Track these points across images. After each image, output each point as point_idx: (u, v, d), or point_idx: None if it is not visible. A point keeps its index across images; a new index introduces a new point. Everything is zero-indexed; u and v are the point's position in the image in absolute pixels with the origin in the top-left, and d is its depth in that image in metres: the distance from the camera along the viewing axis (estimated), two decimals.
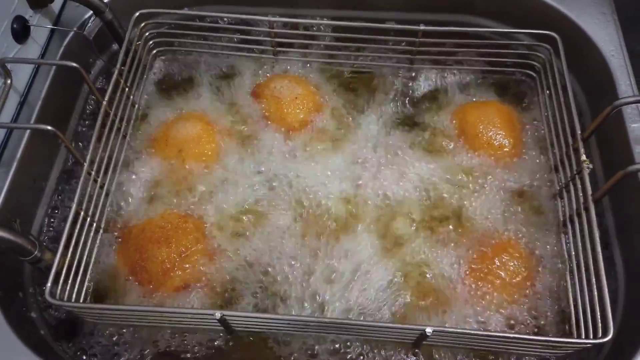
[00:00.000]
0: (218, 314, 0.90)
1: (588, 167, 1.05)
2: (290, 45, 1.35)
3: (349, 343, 1.04)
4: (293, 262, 1.10)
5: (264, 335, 1.04)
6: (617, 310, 1.04)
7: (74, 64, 1.05)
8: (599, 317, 0.91)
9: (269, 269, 1.09)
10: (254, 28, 1.34)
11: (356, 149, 1.24)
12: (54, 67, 1.18)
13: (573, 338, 0.96)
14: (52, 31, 1.22)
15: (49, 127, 0.99)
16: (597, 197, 1.03)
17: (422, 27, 1.23)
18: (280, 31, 1.30)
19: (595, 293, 0.93)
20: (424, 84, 1.35)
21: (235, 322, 0.95)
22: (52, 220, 1.16)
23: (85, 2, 1.19)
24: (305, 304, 1.05)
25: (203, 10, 1.41)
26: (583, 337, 0.93)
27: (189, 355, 1.03)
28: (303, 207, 1.16)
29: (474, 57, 1.34)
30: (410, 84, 1.35)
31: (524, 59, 1.30)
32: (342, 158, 1.23)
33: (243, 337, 1.05)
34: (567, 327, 1.02)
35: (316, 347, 1.04)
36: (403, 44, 1.29)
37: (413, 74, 1.36)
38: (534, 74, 1.30)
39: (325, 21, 1.37)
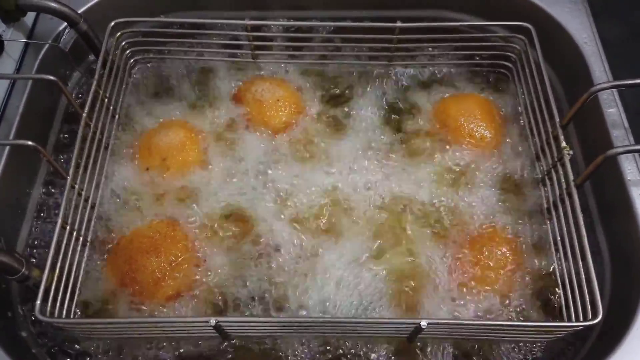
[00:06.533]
0: (213, 321, 0.89)
1: (569, 154, 1.07)
2: (269, 47, 1.35)
3: (342, 342, 1.04)
4: (282, 264, 1.10)
5: (258, 340, 1.04)
6: (605, 291, 1.06)
7: (52, 78, 1.04)
8: (587, 299, 0.93)
9: (259, 273, 1.09)
10: (232, 32, 1.33)
11: (340, 148, 1.25)
12: (30, 82, 1.17)
13: (564, 322, 0.97)
14: (27, 45, 1.21)
15: (30, 143, 0.97)
16: (578, 182, 1.05)
17: (399, 24, 1.24)
18: (258, 34, 1.30)
19: (583, 277, 0.95)
20: (403, 80, 1.36)
21: (230, 327, 0.95)
22: (37, 236, 1.14)
23: (59, 14, 1.17)
24: (298, 305, 1.05)
25: (178, 17, 1.40)
26: (574, 320, 0.95)
27: None
28: (290, 209, 1.16)
29: (451, 51, 1.36)
30: (390, 81, 1.35)
31: (500, 50, 1.32)
32: (327, 158, 1.23)
33: (238, 342, 1.04)
34: (557, 311, 1.03)
35: (310, 347, 1.04)
36: (381, 41, 1.29)
37: (392, 71, 1.37)
38: (510, 65, 1.32)
39: (302, 22, 1.37)
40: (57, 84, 1.05)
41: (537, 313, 1.05)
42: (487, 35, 1.33)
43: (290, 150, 1.24)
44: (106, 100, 1.19)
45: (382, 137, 1.27)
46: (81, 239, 1.06)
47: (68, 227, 1.01)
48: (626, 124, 1.12)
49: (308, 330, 0.98)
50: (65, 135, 1.27)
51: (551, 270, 1.07)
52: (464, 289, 1.06)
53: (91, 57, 1.34)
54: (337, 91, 1.35)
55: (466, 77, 1.37)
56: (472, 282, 1.07)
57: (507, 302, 1.06)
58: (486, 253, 1.09)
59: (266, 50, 1.34)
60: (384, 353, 1.03)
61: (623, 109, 1.14)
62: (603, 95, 1.15)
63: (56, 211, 1.12)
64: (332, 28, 1.38)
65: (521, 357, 1.03)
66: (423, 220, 1.15)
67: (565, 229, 1.04)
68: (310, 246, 1.12)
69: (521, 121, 1.27)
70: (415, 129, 1.28)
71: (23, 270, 0.96)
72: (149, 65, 1.38)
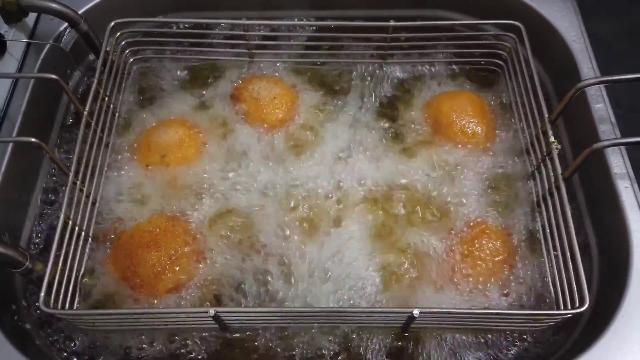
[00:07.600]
0: (212, 311, 0.92)
1: (557, 148, 1.10)
2: (266, 47, 1.37)
3: (338, 332, 1.06)
4: (280, 257, 1.12)
5: (256, 332, 1.07)
6: (593, 281, 1.09)
7: (54, 76, 1.07)
8: (575, 288, 0.96)
9: (257, 266, 1.11)
10: (229, 32, 1.36)
11: (335, 145, 1.27)
12: (32, 80, 1.19)
13: (552, 310, 1.00)
14: (28, 45, 1.23)
15: (33, 139, 1.00)
16: (566, 175, 1.08)
17: (392, 23, 1.26)
18: (255, 34, 1.32)
19: (571, 266, 0.98)
20: (397, 78, 1.38)
21: (229, 318, 0.98)
22: (40, 231, 1.16)
23: (60, 14, 1.20)
24: (295, 297, 1.08)
25: (177, 17, 1.43)
26: (562, 308, 0.98)
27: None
28: (287, 204, 1.19)
29: (443, 49, 1.38)
30: (384, 79, 1.38)
31: (491, 48, 1.35)
32: (323, 155, 1.26)
33: (237, 334, 1.07)
34: (546, 300, 1.06)
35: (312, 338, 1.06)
36: (375, 40, 1.32)
37: (386, 69, 1.39)
38: (501, 63, 1.35)
39: (298, 22, 1.40)
40: (59, 82, 1.07)
41: (528, 302, 1.07)
42: (479, 33, 1.36)
43: (287, 146, 1.27)
44: (106, 98, 1.22)
45: (376, 133, 1.29)
46: (83, 234, 1.08)
47: (70, 223, 1.04)
48: (613, 119, 1.15)
49: (305, 320, 1.01)
50: (67, 133, 1.29)
51: (541, 261, 1.10)
52: (456, 281, 1.09)
53: (91, 57, 1.37)
54: (332, 89, 1.37)
55: (458, 75, 1.39)
56: (464, 274, 1.09)
57: (498, 292, 1.08)
58: (478, 245, 1.11)
59: (263, 50, 1.37)
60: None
61: (610, 104, 1.17)
62: (590, 91, 1.18)
63: (58, 207, 1.14)
64: (327, 27, 1.40)
65: (511, 345, 1.05)
66: (416, 214, 1.17)
67: (554, 221, 1.06)
68: (307, 239, 1.14)
69: (512, 117, 1.29)
70: (408, 125, 1.31)
71: (27, 263, 0.99)
72: (148, 64, 1.40)
